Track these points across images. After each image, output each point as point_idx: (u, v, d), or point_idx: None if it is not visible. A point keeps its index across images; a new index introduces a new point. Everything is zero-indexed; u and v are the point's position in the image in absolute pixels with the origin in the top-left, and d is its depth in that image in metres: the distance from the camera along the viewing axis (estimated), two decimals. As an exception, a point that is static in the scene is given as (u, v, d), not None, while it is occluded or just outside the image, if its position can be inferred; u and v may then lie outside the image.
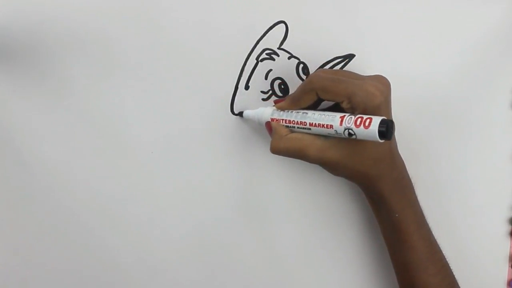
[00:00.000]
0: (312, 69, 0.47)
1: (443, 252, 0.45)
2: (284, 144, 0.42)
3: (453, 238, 0.50)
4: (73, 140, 0.47)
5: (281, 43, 0.47)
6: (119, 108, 0.46)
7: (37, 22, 0.44)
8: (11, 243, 0.48)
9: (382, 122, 0.36)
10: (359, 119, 0.37)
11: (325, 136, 0.41)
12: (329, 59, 0.47)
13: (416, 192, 0.45)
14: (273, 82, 0.47)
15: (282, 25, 0.46)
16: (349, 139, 0.39)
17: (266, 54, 0.47)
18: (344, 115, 0.38)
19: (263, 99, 0.47)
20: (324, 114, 0.40)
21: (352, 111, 0.39)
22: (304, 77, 0.47)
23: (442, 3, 0.47)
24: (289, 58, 0.47)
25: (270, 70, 0.47)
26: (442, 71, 0.48)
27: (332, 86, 0.40)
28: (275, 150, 0.42)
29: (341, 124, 0.38)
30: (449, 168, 0.50)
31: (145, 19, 0.45)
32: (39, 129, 0.46)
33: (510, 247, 0.51)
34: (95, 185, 0.48)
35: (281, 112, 0.43)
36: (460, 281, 0.46)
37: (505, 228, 0.51)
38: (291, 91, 0.47)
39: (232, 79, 0.47)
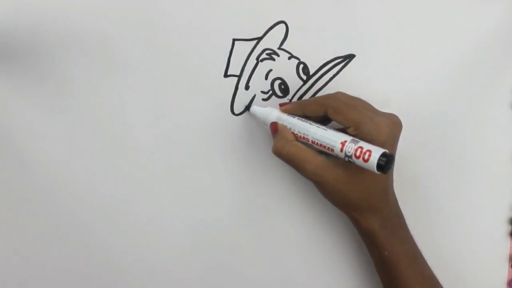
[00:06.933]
0: (312, 69, 0.47)
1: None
2: (288, 150, 0.42)
3: (453, 238, 0.50)
4: (73, 140, 0.47)
5: (281, 43, 0.47)
6: (119, 108, 0.46)
7: (37, 22, 0.44)
8: (11, 243, 0.48)
9: (382, 155, 0.37)
10: (359, 150, 0.37)
11: (327, 154, 0.41)
12: (329, 59, 0.47)
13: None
14: (273, 82, 0.47)
15: (282, 25, 0.46)
16: (349, 163, 0.39)
17: (266, 54, 0.47)
18: (345, 141, 0.39)
19: (263, 99, 0.47)
20: (327, 134, 0.40)
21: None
22: (304, 77, 0.47)
23: (442, 3, 0.47)
24: (289, 58, 0.47)
25: (270, 70, 0.47)
26: (442, 71, 0.48)
27: (344, 109, 0.40)
28: (277, 152, 0.42)
29: (341, 150, 0.39)
30: (449, 168, 0.50)
31: (145, 19, 0.45)
32: (39, 129, 0.46)
33: (510, 247, 0.51)
34: (95, 185, 0.47)
35: (288, 118, 0.43)
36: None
37: (505, 228, 0.51)
38: (291, 91, 0.47)
39: (232, 79, 0.47)
